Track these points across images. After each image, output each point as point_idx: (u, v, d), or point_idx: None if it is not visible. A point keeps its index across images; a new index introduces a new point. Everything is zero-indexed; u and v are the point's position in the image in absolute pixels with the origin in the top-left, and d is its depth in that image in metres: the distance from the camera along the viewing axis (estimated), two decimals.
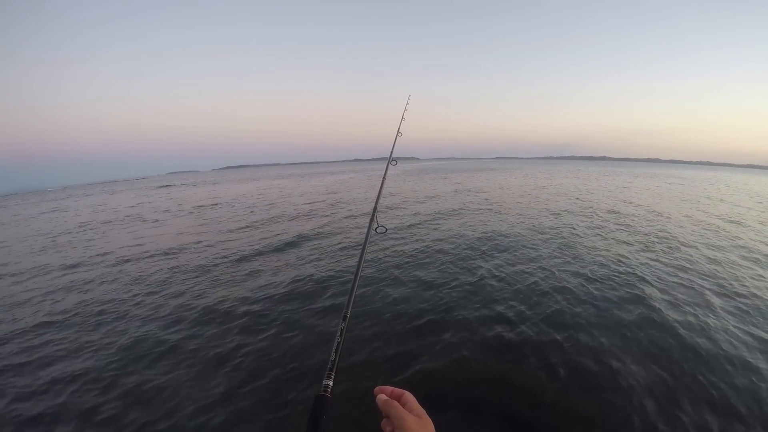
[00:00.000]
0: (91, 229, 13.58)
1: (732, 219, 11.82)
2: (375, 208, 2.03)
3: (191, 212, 16.37)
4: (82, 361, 4.15)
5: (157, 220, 14.35)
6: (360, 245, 1.71)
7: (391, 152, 2.84)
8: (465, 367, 3.65)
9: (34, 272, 8.02)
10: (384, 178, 2.46)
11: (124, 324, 4.95)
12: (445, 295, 5.33)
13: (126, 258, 8.54)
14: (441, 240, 8.48)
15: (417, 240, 8.51)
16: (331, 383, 1.06)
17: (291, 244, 8.93)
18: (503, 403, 3.21)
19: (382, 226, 1.95)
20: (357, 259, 1.64)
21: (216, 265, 7.53)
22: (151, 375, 3.84)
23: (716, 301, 5.10)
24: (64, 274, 7.74)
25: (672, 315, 4.64)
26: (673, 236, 8.92)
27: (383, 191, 2.19)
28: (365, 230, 1.73)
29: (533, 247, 7.79)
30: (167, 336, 4.62)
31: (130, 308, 5.49)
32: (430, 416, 0.82)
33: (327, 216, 12.77)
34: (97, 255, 9.20)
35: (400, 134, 3.13)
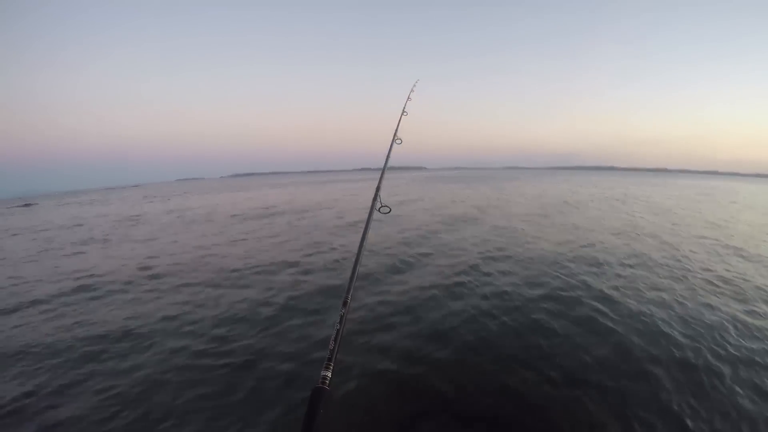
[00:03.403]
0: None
1: None
2: (378, 188, 2.02)
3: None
4: None
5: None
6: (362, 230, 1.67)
7: (396, 130, 2.80)
8: (476, 370, 3.46)
9: None
10: (387, 157, 2.54)
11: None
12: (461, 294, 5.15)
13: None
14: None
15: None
16: (329, 374, 1.03)
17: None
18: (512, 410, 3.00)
19: (386, 206, 1.90)
20: (359, 243, 1.60)
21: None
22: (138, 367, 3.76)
23: None
24: None
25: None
26: None
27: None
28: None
29: None
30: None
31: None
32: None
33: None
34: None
35: (405, 113, 3.10)
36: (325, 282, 5.83)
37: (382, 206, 1.91)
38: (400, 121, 2.98)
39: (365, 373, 3.29)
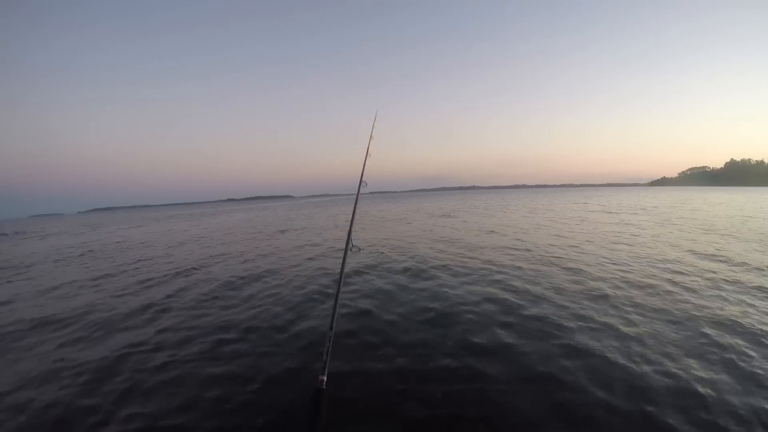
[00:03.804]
0: None
1: None
2: (350, 231, 2.30)
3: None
4: None
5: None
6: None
7: (362, 174, 2.85)
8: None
9: None
10: (357, 199, 2.71)
11: None
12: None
13: None
14: None
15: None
16: (325, 378, 1.32)
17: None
18: None
19: (356, 246, 2.24)
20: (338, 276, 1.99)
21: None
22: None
23: None
24: None
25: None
26: None
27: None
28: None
29: None
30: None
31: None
32: None
33: None
34: None
35: (369, 155, 3.01)
36: None
37: (353, 247, 2.20)
38: (365, 164, 2.96)
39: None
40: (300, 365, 3.69)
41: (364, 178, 2.82)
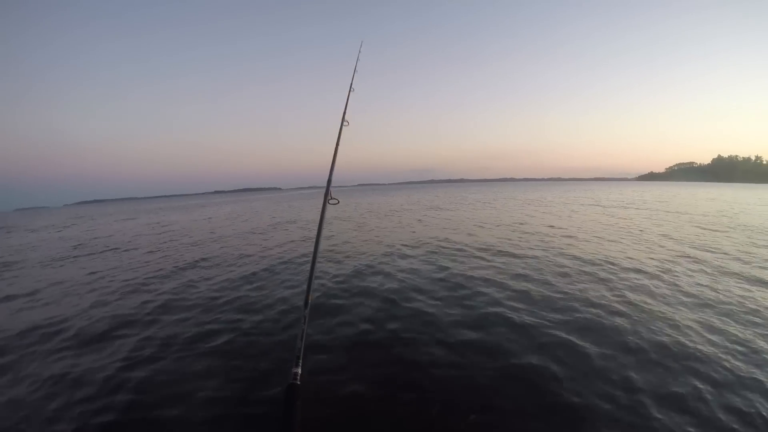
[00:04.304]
0: None
1: None
2: (329, 181, 2.12)
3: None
4: None
5: None
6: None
7: (344, 112, 2.66)
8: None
9: None
10: (338, 143, 2.44)
11: None
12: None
13: None
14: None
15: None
16: (299, 370, 1.14)
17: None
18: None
19: (335, 198, 1.98)
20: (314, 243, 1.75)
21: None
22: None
23: None
24: None
25: None
26: None
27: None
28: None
29: None
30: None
31: None
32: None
33: None
34: None
35: (353, 90, 2.91)
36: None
37: (331, 198, 1.97)
38: (348, 100, 2.78)
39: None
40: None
41: (346, 117, 2.62)
